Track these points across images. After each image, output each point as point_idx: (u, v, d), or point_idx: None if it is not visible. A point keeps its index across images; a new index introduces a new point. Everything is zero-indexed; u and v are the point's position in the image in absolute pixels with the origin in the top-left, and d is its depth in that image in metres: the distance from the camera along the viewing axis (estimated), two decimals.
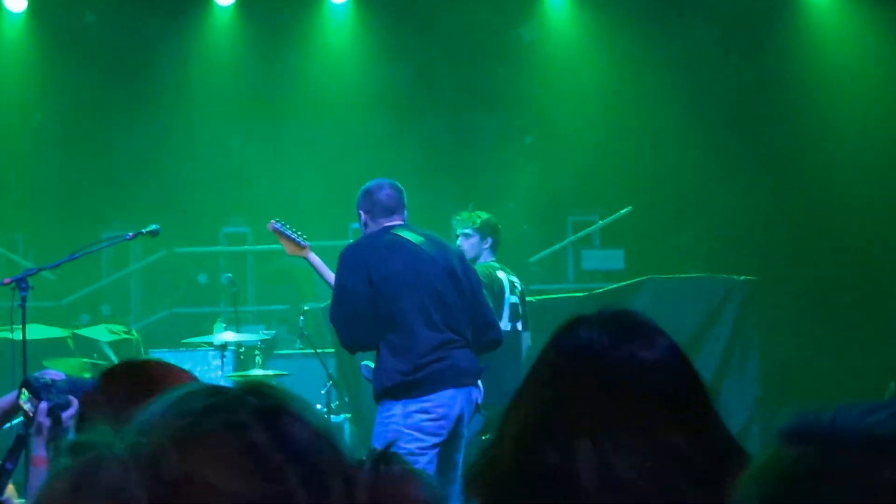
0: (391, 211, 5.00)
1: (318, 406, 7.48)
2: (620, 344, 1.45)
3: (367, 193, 5.04)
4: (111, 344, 8.64)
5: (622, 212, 9.66)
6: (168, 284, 10.28)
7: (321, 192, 9.92)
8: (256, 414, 0.98)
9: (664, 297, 8.19)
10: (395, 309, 4.76)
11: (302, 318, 7.55)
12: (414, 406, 4.77)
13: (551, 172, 10.29)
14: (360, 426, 7.94)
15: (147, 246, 9.82)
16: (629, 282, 8.43)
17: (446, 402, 4.80)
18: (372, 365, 5.11)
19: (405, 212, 5.08)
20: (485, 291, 5.22)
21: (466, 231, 6.73)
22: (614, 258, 9.78)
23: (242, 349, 8.14)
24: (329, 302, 6.46)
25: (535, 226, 10.26)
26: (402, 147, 10.14)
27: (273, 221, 5.42)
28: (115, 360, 8.33)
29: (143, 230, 5.57)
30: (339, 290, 4.83)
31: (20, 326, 4.91)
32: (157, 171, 10.19)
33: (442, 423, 4.78)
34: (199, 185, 10.18)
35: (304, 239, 5.36)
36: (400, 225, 4.98)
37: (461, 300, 4.90)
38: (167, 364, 1.74)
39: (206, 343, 8.02)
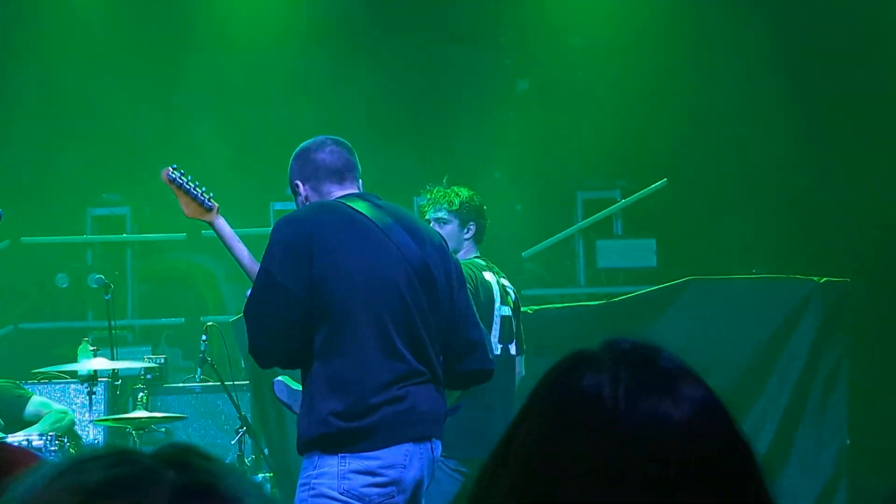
0: (340, 175, 4.92)
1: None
2: (640, 397, 1.48)
3: (304, 154, 4.96)
4: None
5: (655, 185, 9.66)
6: (12, 289, 10.17)
7: (231, 159, 9.84)
8: (176, 496, 0.99)
9: (713, 308, 8.16)
10: (339, 322, 4.67)
11: (204, 337, 7.48)
12: (355, 464, 4.68)
13: (554, 131, 10.27)
14: (286, 489, 7.87)
15: None
16: (664, 286, 8.41)
17: (400, 462, 4.69)
18: (293, 385, 5.04)
19: (359, 178, 5.02)
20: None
21: (440, 215, 6.66)
22: (642, 252, 9.79)
23: (119, 381, 8.06)
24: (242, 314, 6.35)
25: (532, 205, 10.25)
26: (346, 97, 10.07)
27: (168, 169, 5.37)
28: None
29: None
30: (266, 281, 4.71)
31: None
32: None
33: (392, 490, 4.72)
34: (58, 153, 10.08)
35: (211, 199, 5.32)
36: (355, 195, 4.92)
37: (434, 312, 4.82)
38: (13, 448, 1.73)
39: (66, 373, 7.91)
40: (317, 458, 4.68)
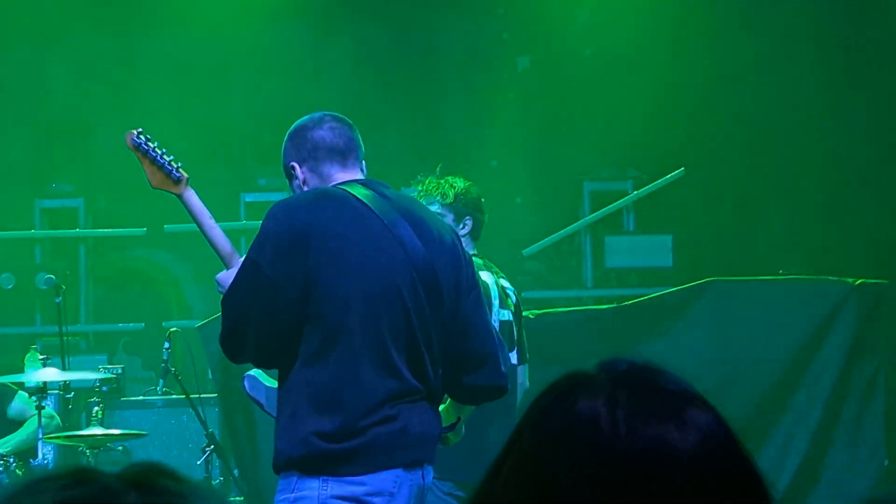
0: (342, 155, 4.89)
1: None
2: (640, 422, 1.48)
3: (301, 133, 4.91)
4: None
5: (671, 176, 9.67)
6: None
7: (196, 147, 9.83)
8: None
9: (736, 313, 8.18)
10: (333, 331, 4.66)
11: (167, 344, 7.49)
12: (338, 489, 4.68)
13: (558, 115, 10.27)
14: None
15: None
16: (681, 287, 8.43)
17: (388, 489, 4.69)
18: (266, 381, 5.05)
19: (363, 160, 5.02)
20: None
21: (433, 210, 6.68)
22: (656, 250, 9.81)
23: (72, 394, 8.06)
24: (212, 318, 6.35)
25: (533, 198, 10.26)
26: (325, 76, 10.06)
27: (133, 133, 5.36)
28: None
29: None
30: (252, 274, 4.69)
31: None
32: None
33: None
34: (2, 138, 10.06)
35: (180, 169, 5.32)
36: (359, 182, 4.90)
37: (437, 320, 4.81)
38: None
39: (12, 385, 7.90)
40: (295, 479, 4.67)
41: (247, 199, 10.35)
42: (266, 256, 4.68)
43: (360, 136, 5.02)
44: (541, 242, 9.89)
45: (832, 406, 8.08)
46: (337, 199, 4.79)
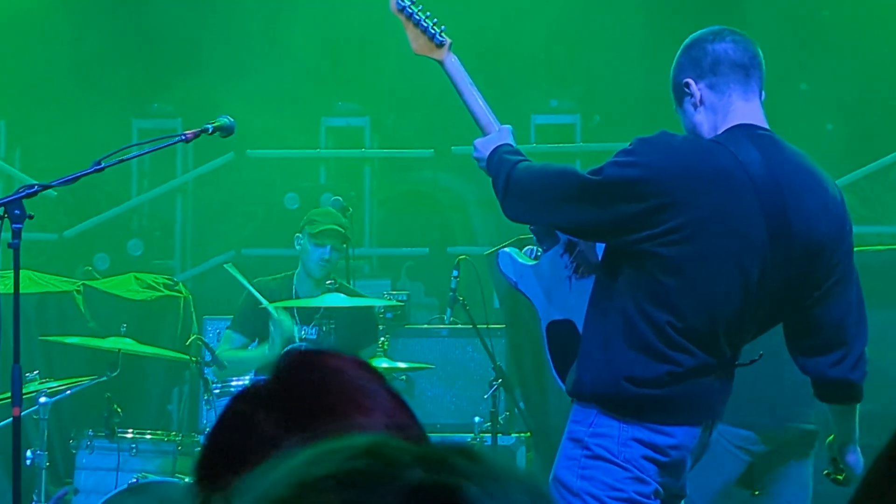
0: (745, 71, 4.70)
1: (477, 419, 7.43)
2: None
3: (699, 45, 4.69)
4: (144, 303, 8.78)
5: None
6: (235, 209, 10.39)
7: (487, 65, 9.81)
8: (408, 497, 1.05)
9: None
10: (688, 269, 4.59)
11: (455, 272, 7.48)
12: (639, 433, 4.66)
13: (873, 33, 9.94)
14: (544, 452, 7.86)
15: (206, 147, 9.89)
16: None
17: (690, 444, 4.70)
18: (521, 259, 5.08)
19: (763, 88, 4.87)
20: None
21: None
22: None
23: None
24: (502, 245, 6.31)
25: (846, 124, 9.98)
26: None
27: None
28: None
29: (209, 125, 5.50)
30: (578, 172, 4.71)
31: (10, 273, 4.98)
32: (219, 27, 10.27)
33: (670, 476, 4.68)
34: (288, 53, 10.20)
35: (443, 33, 5.34)
36: (761, 132, 4.69)
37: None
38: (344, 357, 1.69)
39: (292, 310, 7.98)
40: (595, 413, 4.66)
41: (537, 122, 10.29)
42: (623, 175, 4.53)
43: (762, 54, 4.79)
44: (853, 174, 9.62)
45: None
46: (721, 174, 4.54)
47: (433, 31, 5.25)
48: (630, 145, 4.59)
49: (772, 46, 9.77)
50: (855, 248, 8.20)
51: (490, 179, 5.01)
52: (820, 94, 9.84)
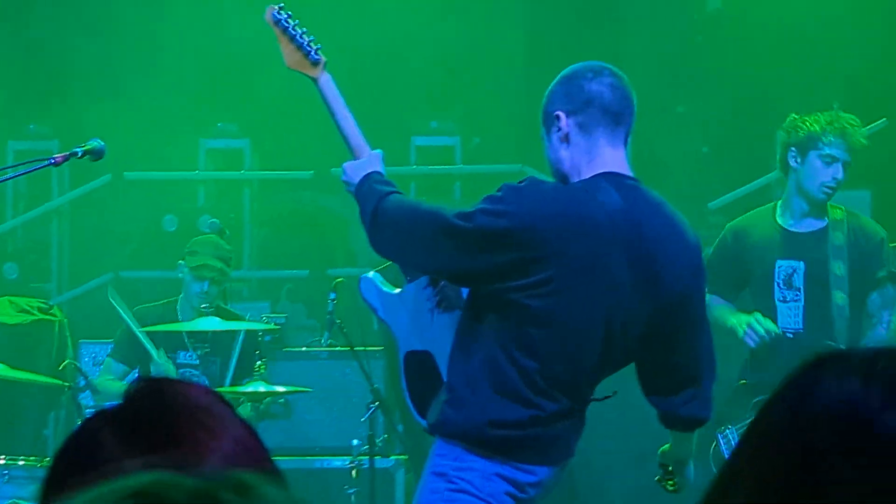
0: (616, 119, 4.70)
1: (355, 442, 7.43)
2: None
3: (575, 81, 4.66)
4: (18, 328, 8.69)
5: (872, 127, 9.41)
6: (112, 231, 10.31)
7: (368, 84, 9.83)
8: None
9: None
10: (559, 316, 4.63)
11: (333, 295, 7.49)
12: (504, 470, 4.72)
13: (749, 58, 10.09)
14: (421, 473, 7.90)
15: (83, 169, 9.81)
16: None
17: (548, 483, 4.81)
18: (384, 287, 5.08)
19: (629, 136, 4.79)
20: None
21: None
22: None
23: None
24: (380, 267, 6.31)
25: (721, 147, 10.10)
26: (499, 14, 9.98)
27: (274, 8, 5.34)
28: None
29: (79, 149, 5.49)
30: (447, 216, 4.71)
31: None
32: (98, 47, 10.20)
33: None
34: (168, 75, 10.15)
35: (318, 52, 5.27)
36: (628, 182, 4.70)
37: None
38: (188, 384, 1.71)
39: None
40: (459, 451, 4.70)
41: (417, 143, 10.33)
42: (470, 238, 4.59)
43: (635, 100, 4.78)
44: (728, 195, 9.74)
45: None
46: (588, 220, 4.58)
47: (309, 48, 5.18)
48: (499, 192, 4.59)
49: (648, 70, 9.97)
50: None
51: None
52: (696, 117, 9.96)
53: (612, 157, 4.70)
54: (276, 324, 8.21)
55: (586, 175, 4.66)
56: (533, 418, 4.65)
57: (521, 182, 4.65)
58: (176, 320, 7.93)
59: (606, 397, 4.89)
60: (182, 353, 7.96)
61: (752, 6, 10.11)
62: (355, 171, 4.95)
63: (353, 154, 5.05)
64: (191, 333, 7.85)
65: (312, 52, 5.18)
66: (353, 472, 7.33)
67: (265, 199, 10.52)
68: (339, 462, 7.78)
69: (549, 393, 4.64)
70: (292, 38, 5.22)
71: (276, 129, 10.33)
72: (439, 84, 10.36)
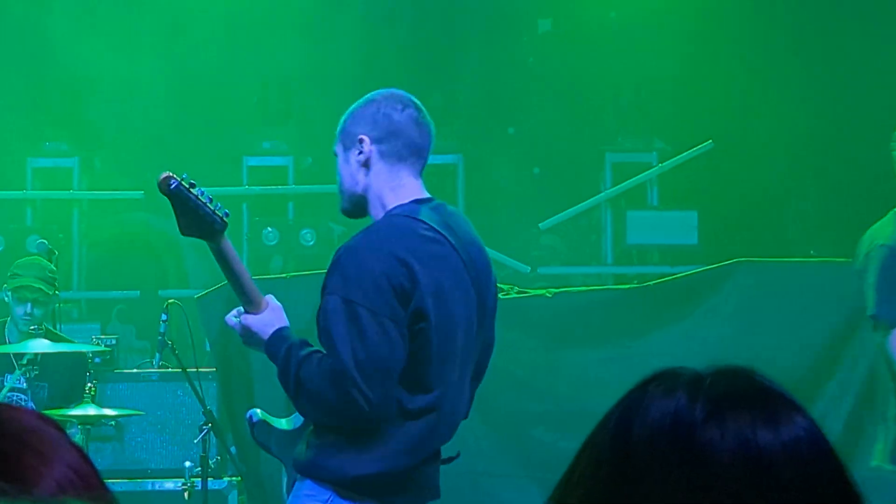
0: (418, 154, 4.74)
1: (188, 464, 7.39)
2: (722, 416, 1.48)
3: (381, 108, 4.74)
4: None
5: (698, 149, 9.61)
6: None
7: (199, 104, 9.79)
8: None
9: (764, 296, 8.12)
10: (435, 357, 4.71)
11: (164, 316, 7.43)
12: None
13: (580, 81, 10.22)
14: (255, 497, 7.86)
15: None
16: (706, 268, 8.39)
17: None
18: (274, 423, 5.00)
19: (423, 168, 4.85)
20: None
21: None
22: (681, 226, 9.76)
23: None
24: (212, 288, 6.26)
25: (552, 168, 10.21)
26: (335, 34, 10.00)
27: (171, 179, 4.84)
28: None
29: None
30: (370, 323, 4.64)
31: None
32: None
33: None
34: None
35: (222, 211, 4.77)
36: (428, 202, 4.76)
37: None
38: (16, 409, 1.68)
39: None
40: (330, 493, 4.72)
41: (250, 164, 10.30)
42: (377, 303, 4.56)
43: (434, 134, 4.84)
44: (559, 216, 9.83)
45: (865, 394, 8.02)
46: (422, 221, 4.66)
47: (215, 217, 4.75)
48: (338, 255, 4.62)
49: (481, 91, 10.08)
50: (562, 290, 8.52)
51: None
52: (527, 138, 10.07)
53: (416, 186, 4.77)
54: (106, 345, 8.13)
55: (391, 203, 4.71)
56: (406, 462, 4.71)
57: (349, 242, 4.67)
58: (3, 342, 7.83)
59: (451, 458, 4.95)
60: (9, 377, 7.86)
61: (581, 28, 10.27)
62: (261, 326, 4.80)
63: (248, 306, 4.83)
64: (18, 356, 7.74)
65: (219, 220, 4.77)
66: (186, 494, 7.28)
67: (95, 218, 10.40)
68: (171, 484, 7.75)
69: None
70: (196, 208, 4.76)
71: (106, 148, 10.23)
72: (272, 104, 10.35)
